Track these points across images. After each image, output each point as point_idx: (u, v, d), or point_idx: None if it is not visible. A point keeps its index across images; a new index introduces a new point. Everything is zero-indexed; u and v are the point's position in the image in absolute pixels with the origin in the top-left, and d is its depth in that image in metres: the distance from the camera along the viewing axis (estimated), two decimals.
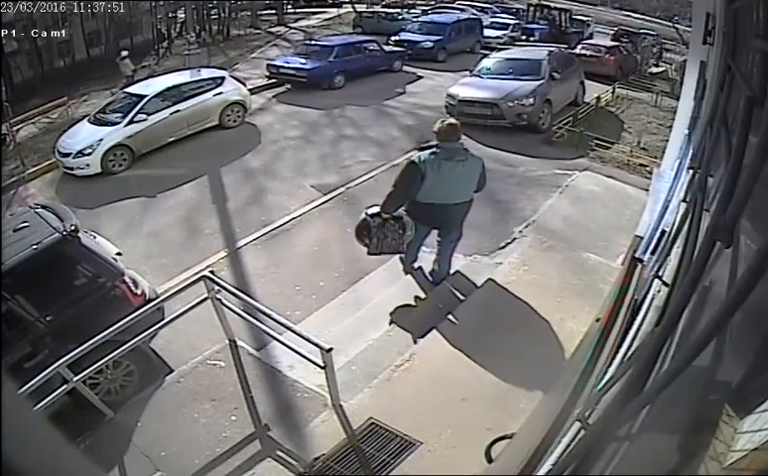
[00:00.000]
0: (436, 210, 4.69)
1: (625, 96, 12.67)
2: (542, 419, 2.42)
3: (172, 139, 9.73)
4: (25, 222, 4.39)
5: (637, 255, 2.82)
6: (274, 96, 12.64)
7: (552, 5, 21.70)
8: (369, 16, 20.11)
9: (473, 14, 20.04)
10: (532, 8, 21.92)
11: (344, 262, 5.87)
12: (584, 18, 23.72)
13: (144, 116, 9.38)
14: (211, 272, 4.38)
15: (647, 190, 5.71)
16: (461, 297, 4.85)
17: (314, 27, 20.60)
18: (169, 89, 9.95)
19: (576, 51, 14.57)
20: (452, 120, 4.91)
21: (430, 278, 5.20)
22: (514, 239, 6.12)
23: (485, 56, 11.95)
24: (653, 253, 2.94)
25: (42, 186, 9.11)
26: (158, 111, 9.56)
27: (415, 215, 4.77)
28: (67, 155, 8.98)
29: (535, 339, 4.20)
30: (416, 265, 5.29)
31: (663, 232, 3.00)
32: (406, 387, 3.91)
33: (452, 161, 4.58)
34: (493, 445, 2.58)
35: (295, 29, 20.42)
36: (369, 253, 4.96)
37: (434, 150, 4.60)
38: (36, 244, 4.04)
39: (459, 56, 15.53)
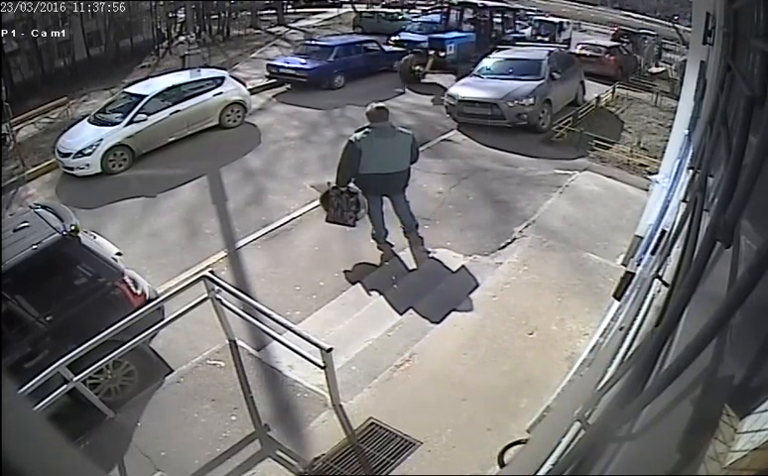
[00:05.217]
0: (378, 179, 5.63)
1: (625, 96, 12.67)
2: (554, 424, 2.42)
3: (172, 139, 9.72)
4: (25, 222, 4.39)
5: (637, 255, 2.82)
6: (274, 96, 12.63)
7: (483, 3, 14.66)
8: (369, 16, 20.07)
9: None
10: (455, 10, 15.06)
11: (344, 262, 5.88)
12: (556, 19, 18.69)
13: (144, 116, 9.38)
14: (211, 272, 4.39)
15: (647, 190, 5.72)
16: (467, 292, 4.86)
17: (314, 27, 20.56)
18: (169, 89, 9.94)
19: (576, 51, 14.50)
20: (380, 104, 5.84)
21: (403, 230, 5.98)
22: (514, 239, 6.11)
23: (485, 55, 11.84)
24: (653, 253, 2.95)
25: (42, 186, 9.10)
26: (158, 111, 9.56)
27: (363, 186, 5.72)
28: (67, 155, 8.98)
29: None
30: (387, 238, 6.01)
31: (663, 232, 3.00)
32: (406, 387, 3.92)
33: (383, 137, 5.59)
34: (506, 451, 2.57)
35: (295, 29, 20.38)
36: (327, 220, 5.86)
37: (366, 130, 5.61)
38: (36, 244, 4.03)
39: None
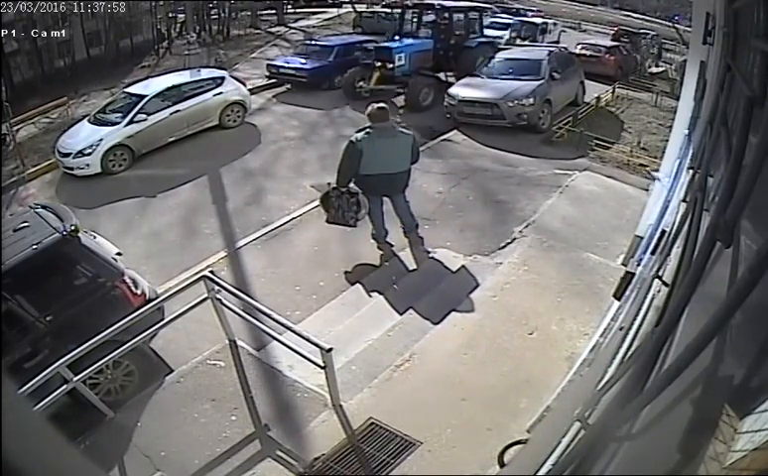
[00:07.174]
0: (378, 179, 5.61)
1: (625, 96, 12.67)
2: (554, 424, 2.42)
3: (172, 139, 9.72)
4: (25, 222, 4.39)
5: (637, 255, 2.82)
6: (274, 96, 12.63)
7: (440, 4, 12.04)
8: (369, 16, 20.02)
9: None
10: (411, 12, 12.48)
11: (344, 262, 5.88)
12: (539, 20, 16.99)
13: (144, 116, 9.37)
14: (211, 272, 4.39)
15: (647, 190, 5.72)
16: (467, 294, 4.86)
17: (314, 27, 20.55)
18: (169, 89, 9.93)
19: (576, 51, 14.44)
20: (381, 104, 5.75)
21: (403, 230, 5.98)
22: (514, 239, 6.11)
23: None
24: (653, 253, 2.95)
25: (42, 186, 9.09)
26: (158, 111, 9.55)
27: (364, 187, 5.70)
28: (67, 155, 8.98)
29: None
30: (388, 238, 6.00)
31: (663, 232, 3.00)
32: (406, 387, 3.92)
33: (384, 137, 5.56)
34: (506, 451, 2.57)
35: (295, 29, 20.36)
36: (327, 221, 5.85)
37: (367, 130, 5.57)
38: (36, 244, 4.04)
39: None
